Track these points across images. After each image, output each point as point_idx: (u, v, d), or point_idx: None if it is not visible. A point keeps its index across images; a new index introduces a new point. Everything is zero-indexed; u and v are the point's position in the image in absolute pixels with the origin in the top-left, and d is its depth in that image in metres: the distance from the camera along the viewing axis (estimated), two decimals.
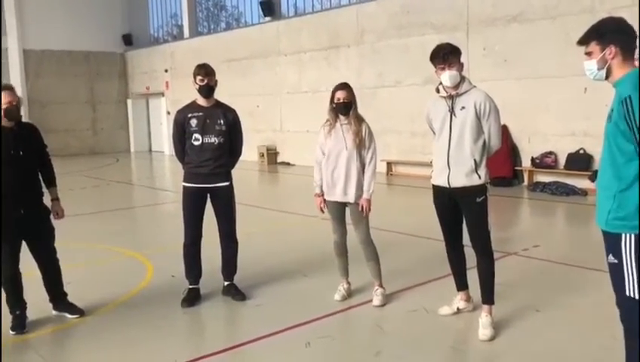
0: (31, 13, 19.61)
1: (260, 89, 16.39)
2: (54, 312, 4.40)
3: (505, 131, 10.06)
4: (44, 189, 4.31)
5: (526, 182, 10.57)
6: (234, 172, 4.78)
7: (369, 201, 4.34)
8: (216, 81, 4.63)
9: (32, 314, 4.24)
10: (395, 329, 4.02)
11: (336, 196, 4.39)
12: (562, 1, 9.89)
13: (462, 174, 3.77)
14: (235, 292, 4.71)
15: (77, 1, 20.50)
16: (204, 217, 4.66)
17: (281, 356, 3.68)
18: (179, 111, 4.68)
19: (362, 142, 4.31)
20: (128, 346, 3.88)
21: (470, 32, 11.25)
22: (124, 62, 22.45)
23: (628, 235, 2.48)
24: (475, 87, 3.82)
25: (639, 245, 2.46)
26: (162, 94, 20.69)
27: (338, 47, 14.17)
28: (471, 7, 11.25)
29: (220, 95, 4.70)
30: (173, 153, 4.87)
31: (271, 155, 16.25)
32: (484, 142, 3.79)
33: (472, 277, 4.07)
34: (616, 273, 2.56)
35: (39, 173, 4.27)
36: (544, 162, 10.29)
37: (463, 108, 3.75)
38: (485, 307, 3.88)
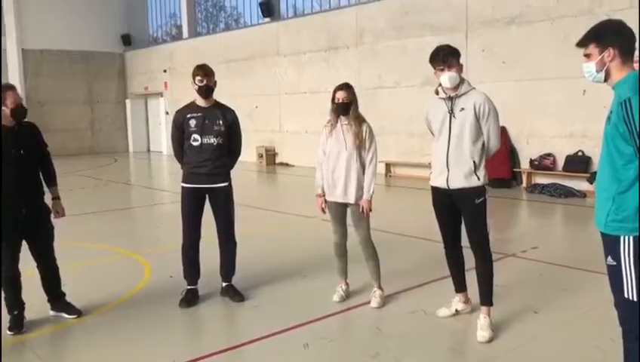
0: (30, 12, 19.60)
1: (259, 90, 16.40)
2: (52, 312, 4.39)
3: (504, 133, 10.08)
4: (45, 188, 4.31)
5: (524, 184, 10.58)
6: (233, 172, 4.78)
7: (369, 202, 4.33)
8: (215, 81, 4.63)
9: (29, 314, 4.23)
10: (394, 331, 4.02)
11: (337, 197, 4.39)
12: (561, 3, 9.91)
13: (461, 175, 3.77)
14: (233, 293, 4.71)
15: (76, 1, 20.51)
16: (203, 218, 4.66)
17: (279, 357, 3.68)
18: (178, 112, 4.67)
19: (362, 143, 4.30)
20: (126, 346, 3.88)
21: (469, 33, 11.27)
22: (122, 62, 22.45)
23: (626, 238, 2.48)
24: (474, 88, 3.82)
25: (637, 247, 2.47)
26: (161, 95, 20.69)
27: (337, 48, 14.18)
28: (470, 8, 11.26)
29: (219, 96, 4.70)
30: (172, 153, 4.87)
31: (270, 156, 16.24)
32: (483, 143, 3.79)
33: (471, 278, 4.07)
34: (615, 275, 2.55)
35: (40, 173, 4.28)
36: (543, 164, 10.30)
37: (463, 109, 3.75)
38: (483, 308, 3.88)
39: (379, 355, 3.61)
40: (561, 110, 10.02)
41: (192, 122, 4.53)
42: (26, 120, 4.17)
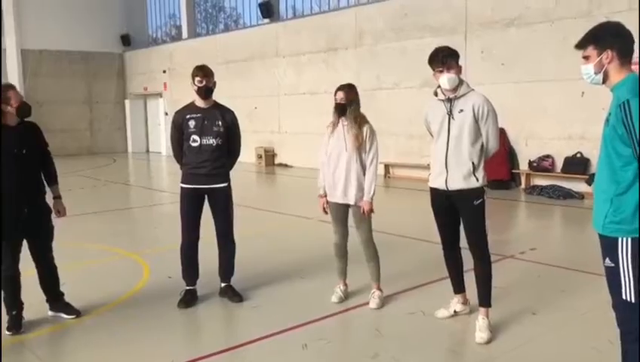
0: (29, 13, 19.59)
1: (258, 90, 16.40)
2: (50, 313, 4.39)
3: (502, 134, 10.09)
4: (46, 188, 4.32)
5: (523, 185, 10.59)
6: (232, 173, 4.78)
7: (370, 203, 4.33)
8: (214, 82, 4.63)
9: (28, 314, 4.23)
10: (392, 332, 4.03)
11: (337, 197, 4.39)
12: (560, 5, 9.93)
13: (460, 177, 3.78)
14: (232, 294, 4.71)
15: (75, 1, 20.51)
16: (202, 218, 4.66)
17: (277, 358, 3.68)
18: (177, 113, 4.68)
19: (362, 145, 4.30)
20: (125, 347, 3.88)
21: (468, 35, 11.28)
22: (122, 62, 22.45)
23: (624, 239, 2.48)
24: (473, 90, 3.83)
25: (635, 249, 2.47)
26: (160, 95, 20.68)
27: (336, 50, 14.19)
28: (469, 10, 11.27)
29: (218, 96, 4.70)
30: (171, 154, 4.87)
31: (269, 157, 16.24)
32: (482, 145, 3.80)
33: (469, 279, 4.08)
34: (613, 277, 2.56)
35: (41, 172, 4.28)
36: (541, 165, 10.31)
37: (461, 111, 3.75)
38: (482, 310, 3.88)
39: (377, 356, 3.61)
40: (559, 112, 10.03)
41: (192, 123, 4.53)
42: (27, 119, 4.19)
